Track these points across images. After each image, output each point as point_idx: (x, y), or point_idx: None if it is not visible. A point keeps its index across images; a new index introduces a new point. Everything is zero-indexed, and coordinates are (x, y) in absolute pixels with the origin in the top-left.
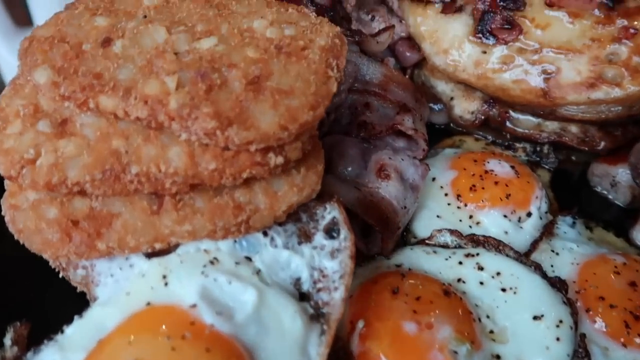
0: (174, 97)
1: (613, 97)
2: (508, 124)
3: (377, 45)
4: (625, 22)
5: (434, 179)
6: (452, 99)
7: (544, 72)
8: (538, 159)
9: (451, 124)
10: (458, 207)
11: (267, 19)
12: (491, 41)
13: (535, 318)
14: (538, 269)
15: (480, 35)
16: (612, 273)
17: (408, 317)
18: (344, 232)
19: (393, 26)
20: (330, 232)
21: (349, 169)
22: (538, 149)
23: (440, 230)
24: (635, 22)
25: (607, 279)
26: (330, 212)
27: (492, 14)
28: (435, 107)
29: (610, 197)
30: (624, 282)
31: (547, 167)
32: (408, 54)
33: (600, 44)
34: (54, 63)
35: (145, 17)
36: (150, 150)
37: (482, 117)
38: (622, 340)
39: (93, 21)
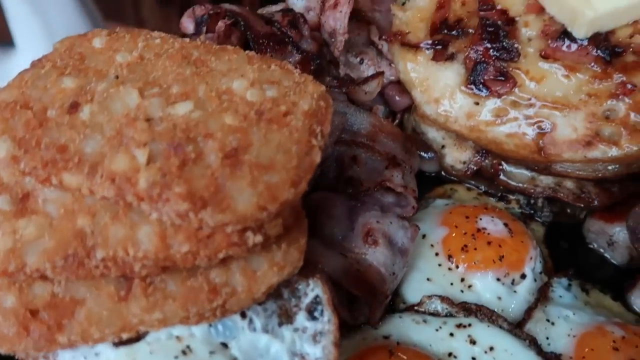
0: (143, 174)
1: (610, 156)
2: (501, 176)
3: (366, 95)
4: (623, 78)
5: (424, 236)
6: (443, 147)
7: (539, 127)
8: (532, 211)
9: (442, 172)
10: (449, 269)
11: (248, 77)
12: (484, 93)
13: None
14: (533, 343)
15: (473, 86)
16: (611, 349)
17: None
18: (328, 313)
19: (382, 73)
20: (313, 312)
21: (335, 230)
22: (532, 201)
23: (430, 297)
24: (634, 78)
25: (605, 356)
26: (314, 289)
27: (484, 65)
28: (426, 155)
29: (606, 255)
30: None
31: (541, 220)
32: (398, 98)
33: (597, 100)
34: (15, 134)
35: (117, 77)
36: (118, 231)
37: (474, 168)
38: None
39: (60, 82)
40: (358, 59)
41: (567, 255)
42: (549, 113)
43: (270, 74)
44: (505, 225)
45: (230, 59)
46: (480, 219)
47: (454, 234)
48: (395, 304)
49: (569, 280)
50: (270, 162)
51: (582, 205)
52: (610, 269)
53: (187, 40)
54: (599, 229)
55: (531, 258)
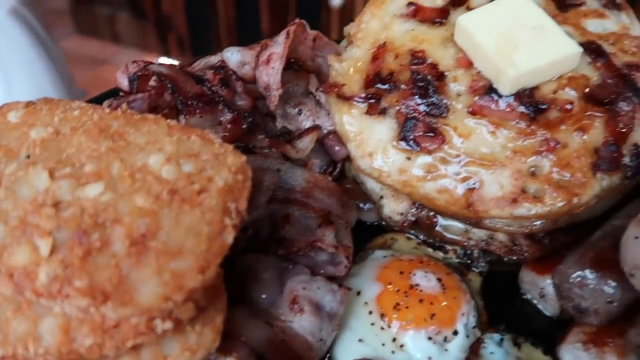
0: (44, 268)
1: (535, 213)
2: (437, 228)
3: (297, 153)
4: (547, 134)
5: (359, 293)
6: (381, 197)
7: (468, 184)
8: (469, 261)
9: (383, 222)
10: (382, 328)
11: (166, 151)
12: (415, 149)
13: None
14: None
15: (403, 142)
16: None
17: None
18: None
19: (317, 127)
20: None
21: (263, 296)
22: (469, 252)
23: None
24: (557, 135)
25: None
26: None
27: (414, 120)
28: (365, 206)
29: (539, 306)
30: None
31: (477, 270)
32: (338, 148)
33: (523, 157)
34: None
35: (28, 156)
36: (20, 325)
37: (412, 219)
38: None
39: None
40: (296, 110)
41: (503, 306)
42: (477, 170)
43: (190, 145)
44: (439, 280)
45: (149, 130)
46: (414, 275)
47: (387, 291)
48: None
49: (501, 335)
50: (178, 248)
51: (514, 257)
52: (544, 320)
53: (108, 110)
54: (531, 280)
55: (463, 314)
